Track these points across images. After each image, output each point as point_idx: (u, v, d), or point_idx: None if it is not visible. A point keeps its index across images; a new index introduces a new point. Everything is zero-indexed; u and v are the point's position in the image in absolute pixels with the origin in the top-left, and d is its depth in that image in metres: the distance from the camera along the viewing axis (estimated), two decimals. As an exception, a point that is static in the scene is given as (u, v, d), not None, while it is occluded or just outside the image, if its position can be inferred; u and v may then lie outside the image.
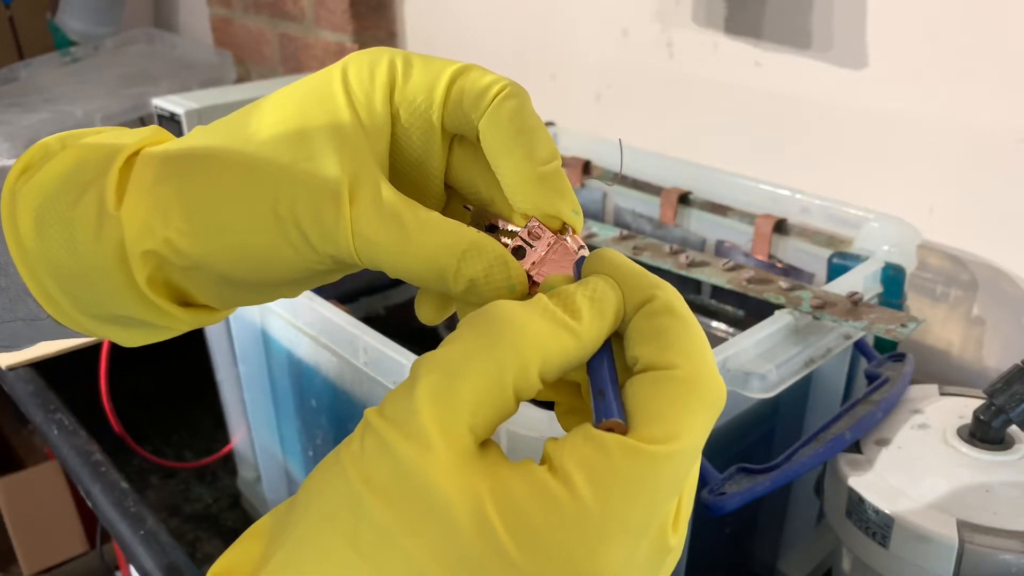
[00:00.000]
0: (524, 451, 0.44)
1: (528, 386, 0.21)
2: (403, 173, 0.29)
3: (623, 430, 0.21)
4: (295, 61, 1.37)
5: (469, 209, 0.30)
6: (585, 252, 0.27)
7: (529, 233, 0.27)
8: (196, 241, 0.27)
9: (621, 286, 0.24)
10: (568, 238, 0.27)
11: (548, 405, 0.39)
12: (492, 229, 0.29)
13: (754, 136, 0.82)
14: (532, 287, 0.27)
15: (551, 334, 0.22)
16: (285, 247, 0.26)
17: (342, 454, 0.20)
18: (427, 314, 0.30)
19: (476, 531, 0.19)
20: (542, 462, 0.20)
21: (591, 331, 0.23)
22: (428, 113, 0.28)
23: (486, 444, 0.21)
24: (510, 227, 0.28)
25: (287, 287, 0.30)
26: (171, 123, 0.95)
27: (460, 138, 0.29)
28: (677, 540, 0.21)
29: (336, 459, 0.21)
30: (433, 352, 0.21)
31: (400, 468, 0.19)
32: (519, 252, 0.27)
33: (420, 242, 0.26)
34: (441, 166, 0.29)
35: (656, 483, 0.20)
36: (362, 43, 1.23)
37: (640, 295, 0.23)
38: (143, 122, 1.35)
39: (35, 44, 1.66)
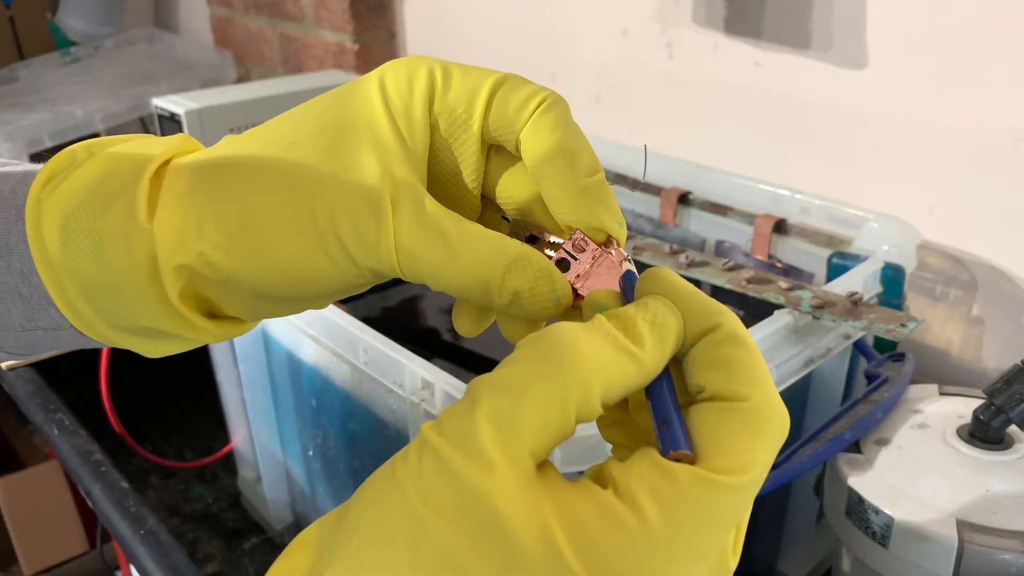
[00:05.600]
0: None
1: (590, 411, 0.21)
2: (440, 184, 0.29)
3: (690, 460, 0.21)
4: (295, 61, 1.37)
5: (507, 220, 0.30)
6: (630, 266, 0.27)
7: (573, 245, 0.27)
8: (231, 255, 0.27)
9: (681, 310, 0.23)
10: (612, 251, 0.27)
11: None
12: (532, 240, 0.29)
13: (754, 136, 0.82)
14: (576, 300, 0.27)
15: (615, 361, 0.21)
16: (324, 260, 0.26)
17: (398, 470, 0.20)
18: (465, 326, 0.30)
19: (542, 553, 0.19)
20: (603, 484, 0.20)
21: (653, 358, 0.22)
22: (468, 123, 0.27)
23: (543, 465, 0.21)
24: (551, 238, 0.28)
25: (320, 299, 0.29)
26: (171, 123, 0.95)
27: (497, 148, 0.29)
28: (735, 562, 0.22)
29: (391, 475, 0.20)
30: (493, 373, 0.21)
31: (463, 490, 0.19)
32: (563, 264, 0.27)
33: (464, 255, 0.25)
34: (479, 177, 0.29)
35: (725, 513, 0.20)
36: (362, 43, 1.23)
37: (703, 321, 0.23)
38: (143, 122, 1.35)
39: (35, 44, 1.66)
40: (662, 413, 0.22)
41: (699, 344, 0.23)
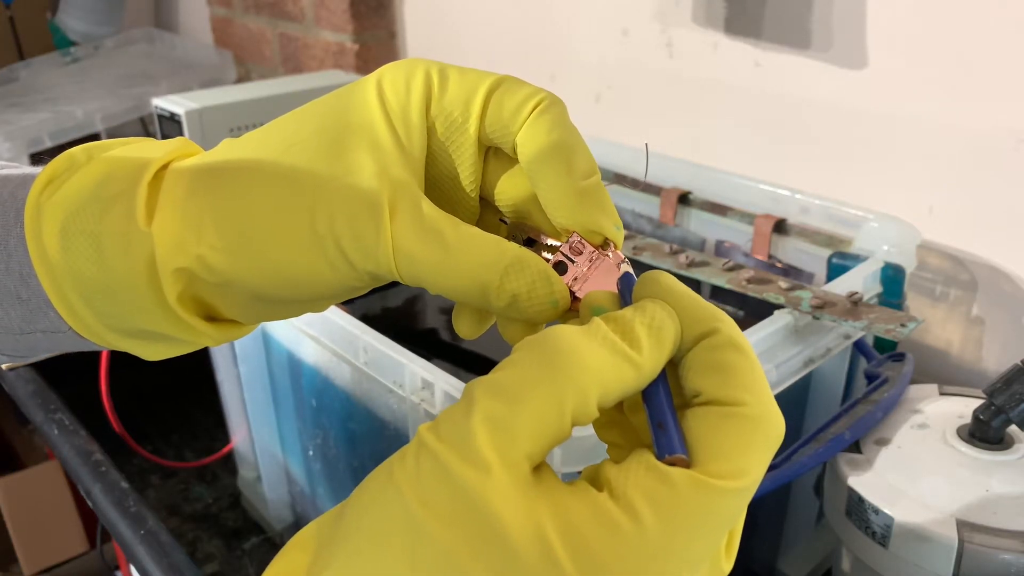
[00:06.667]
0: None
1: (586, 415, 0.21)
2: (438, 186, 0.29)
3: (685, 464, 0.21)
4: (295, 61, 1.37)
5: (504, 222, 0.30)
6: (628, 268, 0.27)
7: (570, 248, 0.27)
8: (230, 258, 0.27)
9: (679, 314, 0.23)
10: (610, 253, 0.27)
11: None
12: (530, 243, 0.29)
13: (754, 136, 0.82)
14: (574, 302, 0.27)
15: (612, 365, 0.21)
16: (323, 264, 0.26)
17: (395, 471, 0.20)
18: (465, 328, 0.30)
19: (538, 556, 0.19)
20: (599, 487, 0.20)
21: (650, 362, 0.22)
22: (465, 126, 0.27)
23: (539, 468, 0.21)
24: (549, 241, 0.28)
25: (318, 302, 0.29)
26: (171, 123, 0.95)
27: (495, 150, 0.29)
28: (729, 564, 0.22)
29: (389, 476, 0.20)
30: (489, 376, 0.21)
31: (460, 492, 0.19)
32: (560, 267, 0.27)
33: (462, 258, 0.25)
34: (476, 179, 0.29)
35: (720, 517, 0.20)
36: (362, 43, 1.23)
37: (700, 326, 0.23)
38: (143, 122, 1.35)
39: (35, 44, 1.66)
40: (658, 417, 0.22)
41: (696, 348, 0.23)
